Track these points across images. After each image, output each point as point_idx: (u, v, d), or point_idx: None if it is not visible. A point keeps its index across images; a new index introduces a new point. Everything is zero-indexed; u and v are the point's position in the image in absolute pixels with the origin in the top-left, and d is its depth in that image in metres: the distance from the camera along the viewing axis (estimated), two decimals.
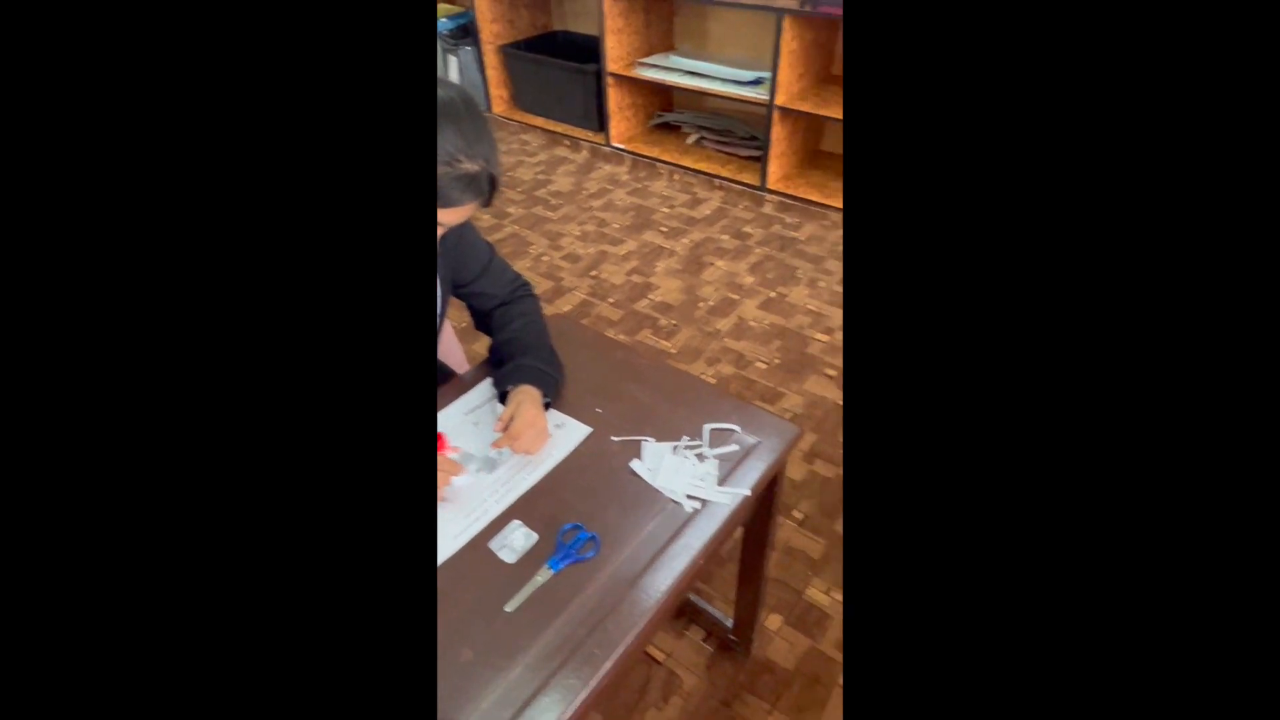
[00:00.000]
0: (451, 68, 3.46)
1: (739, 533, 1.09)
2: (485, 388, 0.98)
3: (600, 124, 3.11)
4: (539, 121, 3.34)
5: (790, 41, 2.41)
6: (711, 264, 2.35)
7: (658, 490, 0.83)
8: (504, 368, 0.94)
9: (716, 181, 2.85)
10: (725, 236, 2.50)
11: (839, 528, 1.47)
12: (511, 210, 2.70)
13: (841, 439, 1.67)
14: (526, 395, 0.89)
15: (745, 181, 2.78)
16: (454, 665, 0.66)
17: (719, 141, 3.00)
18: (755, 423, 0.92)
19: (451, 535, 0.78)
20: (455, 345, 1.34)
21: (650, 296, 2.20)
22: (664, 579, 0.73)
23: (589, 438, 0.90)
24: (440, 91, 0.70)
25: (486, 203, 0.76)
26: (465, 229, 0.96)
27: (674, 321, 2.09)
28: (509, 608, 0.71)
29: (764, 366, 1.91)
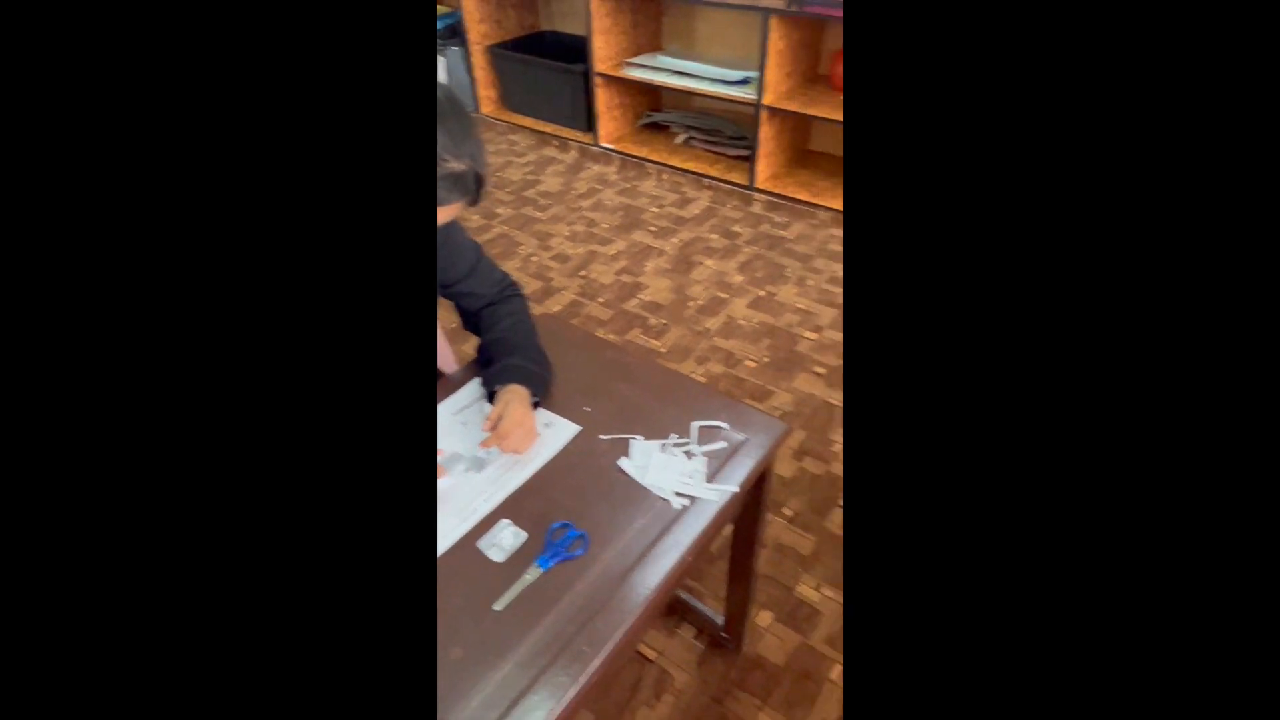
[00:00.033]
0: (439, 68, 3.45)
1: (729, 530, 1.10)
2: (473, 387, 0.98)
3: (589, 124, 3.11)
4: (527, 122, 3.34)
5: (777, 41, 2.42)
6: (701, 263, 2.35)
7: (646, 488, 0.83)
8: (492, 367, 0.94)
9: (705, 181, 2.85)
10: (714, 236, 2.50)
11: (829, 524, 1.47)
12: (500, 211, 2.70)
13: (830, 436, 1.68)
14: (515, 395, 0.89)
15: (734, 181, 2.79)
16: (444, 664, 0.66)
17: (707, 141, 3.01)
18: (743, 420, 0.92)
19: (440, 535, 0.78)
20: (444, 345, 1.33)
21: (640, 296, 2.20)
22: (653, 575, 0.74)
23: (578, 436, 0.90)
24: None
25: (473, 202, 0.76)
26: (452, 229, 0.96)
27: (664, 321, 2.09)
28: (498, 606, 0.71)
29: (753, 365, 1.92)
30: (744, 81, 2.65)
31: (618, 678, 1.22)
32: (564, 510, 0.81)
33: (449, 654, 0.66)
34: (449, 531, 0.78)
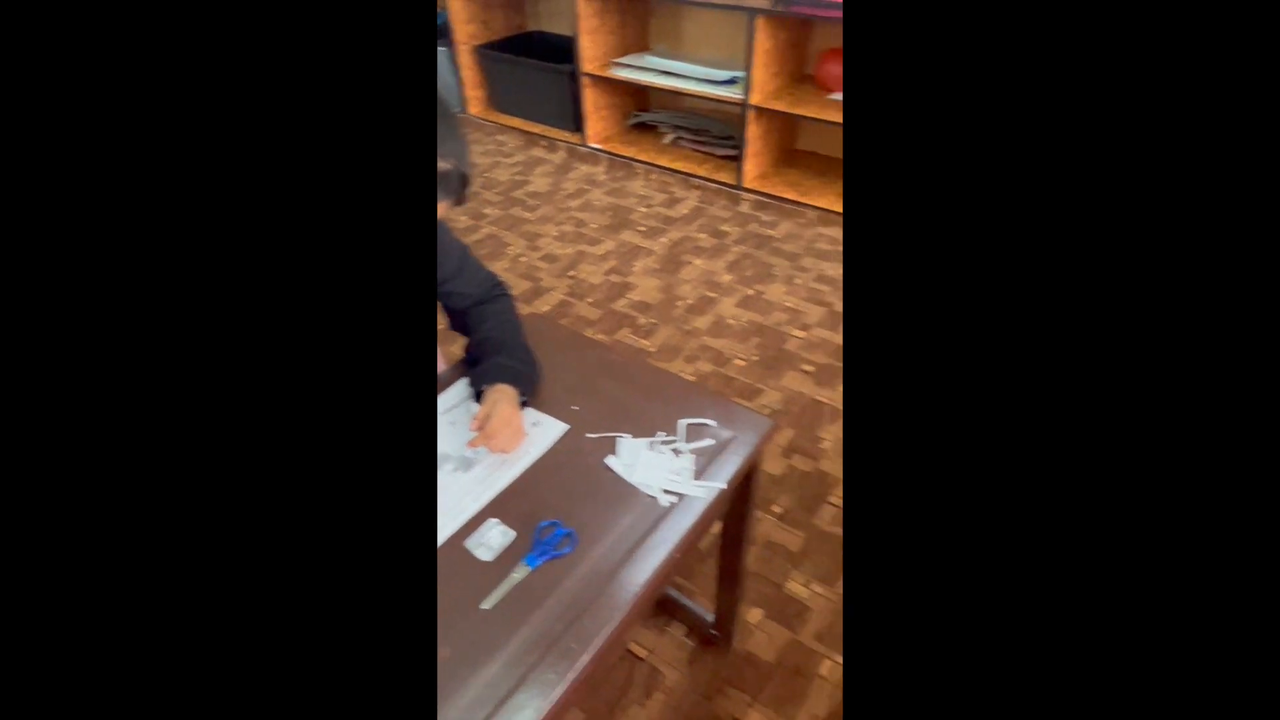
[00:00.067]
0: None
1: (718, 528, 1.10)
2: (461, 387, 0.98)
3: (577, 124, 3.11)
4: (515, 122, 3.34)
5: (764, 41, 2.43)
6: (689, 263, 2.36)
7: (634, 486, 0.83)
8: (479, 367, 0.94)
9: (693, 181, 2.86)
10: (703, 235, 2.51)
11: (817, 521, 1.48)
12: (489, 211, 2.69)
13: (819, 434, 1.69)
14: (502, 394, 0.89)
15: (722, 180, 2.80)
16: None
17: (695, 141, 3.01)
18: (730, 417, 0.93)
19: None
20: None
21: (629, 296, 2.20)
22: (641, 572, 0.74)
23: (566, 435, 0.90)
24: None
25: (459, 202, 0.76)
26: (439, 229, 0.95)
27: (653, 320, 2.10)
28: (486, 605, 0.71)
29: (742, 363, 1.92)
30: (731, 81, 2.66)
31: (608, 676, 1.22)
32: (552, 509, 0.81)
33: (437, 654, 0.66)
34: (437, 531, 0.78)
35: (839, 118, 2.42)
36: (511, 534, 0.78)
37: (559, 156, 3.10)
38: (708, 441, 0.89)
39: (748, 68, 2.47)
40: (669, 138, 3.09)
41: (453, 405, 0.96)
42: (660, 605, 1.32)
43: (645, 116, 3.17)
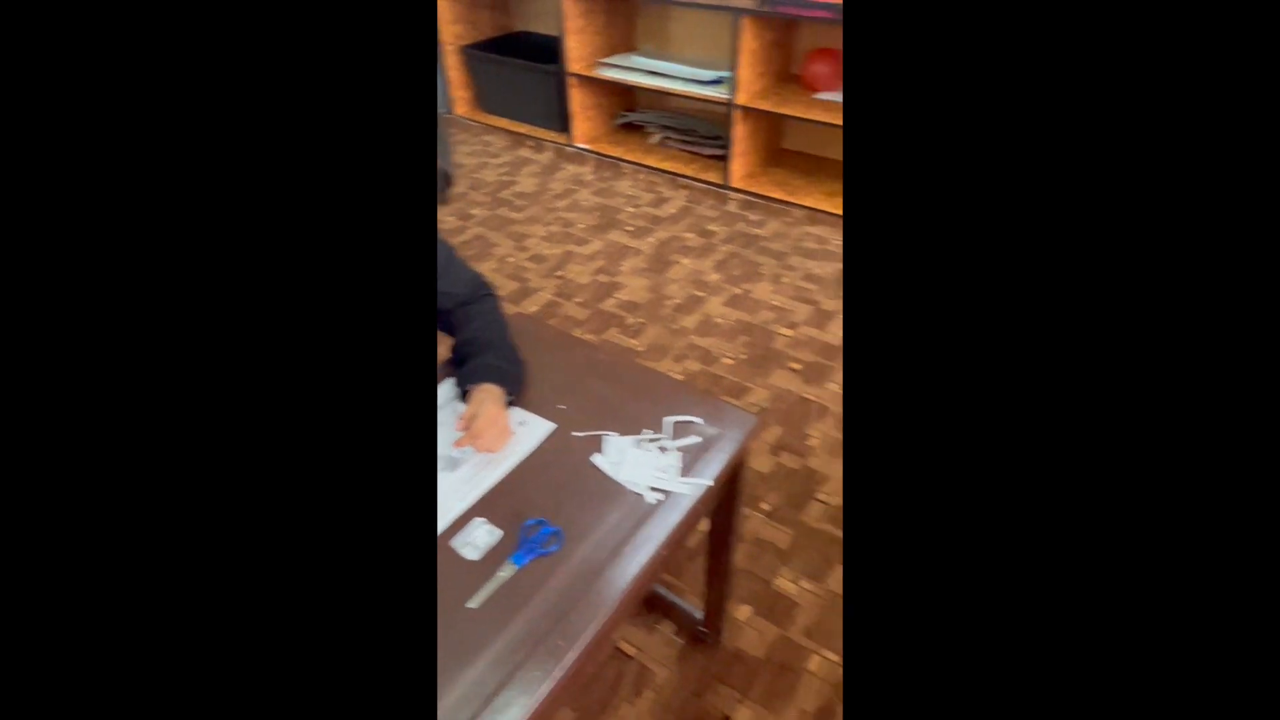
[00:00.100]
0: None
1: (707, 526, 1.11)
2: (448, 387, 0.98)
3: (564, 125, 3.10)
4: (502, 123, 3.33)
5: (749, 41, 2.44)
6: (677, 262, 2.36)
7: (620, 484, 0.84)
8: (465, 367, 0.94)
9: (681, 180, 2.86)
10: (690, 235, 2.51)
11: (805, 518, 1.49)
12: (476, 212, 2.69)
13: (806, 431, 1.70)
14: (488, 394, 0.89)
15: (709, 180, 2.80)
16: None
17: (682, 141, 3.02)
18: (716, 414, 0.93)
19: None
20: None
21: (617, 295, 2.21)
22: (628, 569, 0.74)
23: (552, 434, 0.90)
24: None
25: (442, 201, 0.76)
26: None
27: (641, 320, 2.10)
28: (472, 604, 0.71)
29: (730, 362, 1.93)
30: (717, 81, 2.67)
31: (599, 675, 1.23)
32: (538, 507, 0.81)
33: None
34: None
35: (825, 117, 2.43)
36: (498, 533, 0.78)
37: (546, 157, 3.10)
38: (694, 439, 0.90)
39: (733, 68, 2.48)
40: (656, 138, 3.09)
41: (439, 405, 0.96)
42: (650, 603, 1.32)
43: (632, 116, 3.17)
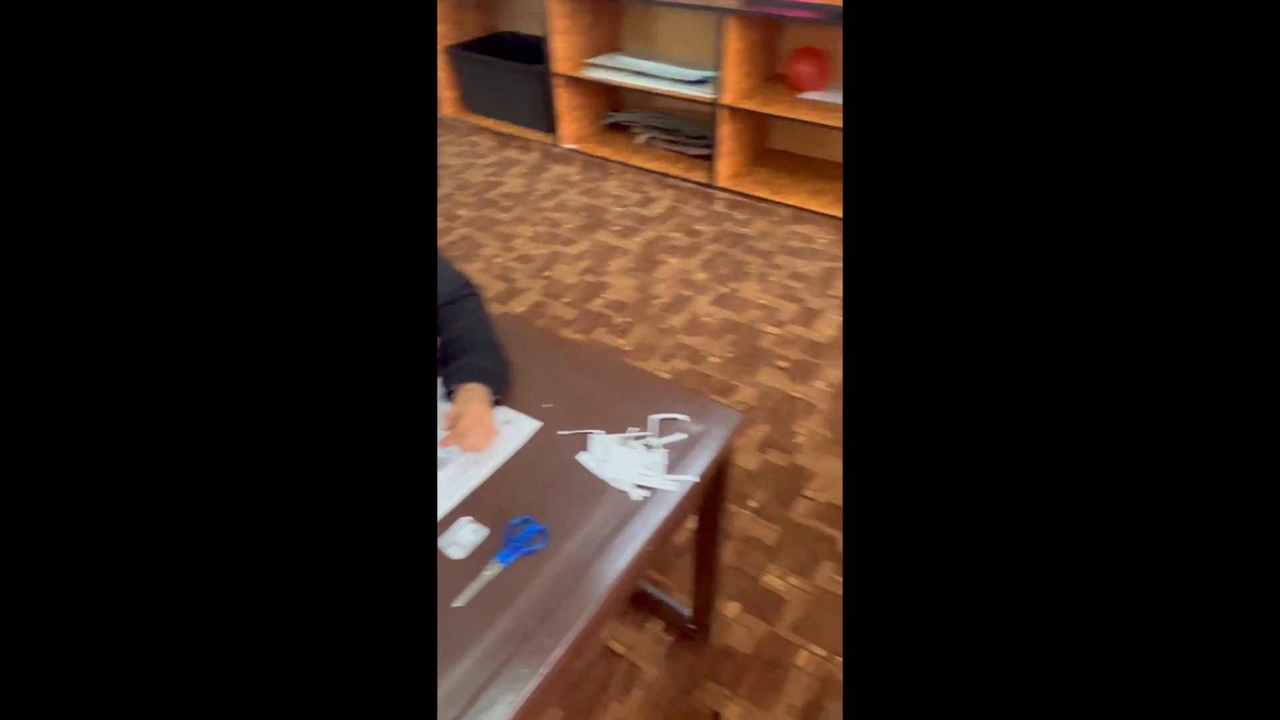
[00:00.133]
0: None
1: (695, 524, 1.11)
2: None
3: (550, 125, 3.10)
4: (489, 123, 3.32)
5: (734, 41, 2.45)
6: (664, 261, 2.37)
7: (606, 481, 0.84)
8: (450, 366, 0.94)
9: (667, 180, 2.87)
10: (677, 234, 2.52)
11: (793, 515, 1.50)
12: (462, 213, 2.68)
13: (793, 428, 1.71)
14: (473, 393, 0.89)
15: (695, 180, 2.81)
16: None
17: (669, 141, 3.02)
18: (701, 411, 0.94)
19: None
20: None
21: (604, 295, 2.21)
22: (614, 566, 0.74)
23: (538, 433, 0.90)
24: None
25: None
26: None
27: (628, 319, 2.10)
28: (458, 603, 0.71)
29: (717, 361, 1.94)
30: (703, 81, 2.68)
31: (587, 674, 1.23)
32: (524, 506, 0.81)
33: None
34: None
35: (810, 117, 2.45)
36: (484, 531, 0.78)
37: (533, 157, 3.10)
38: (679, 436, 0.90)
39: (719, 67, 2.49)
40: (642, 138, 3.09)
41: None
42: (638, 601, 1.33)
43: (619, 117, 3.17)
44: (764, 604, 1.33)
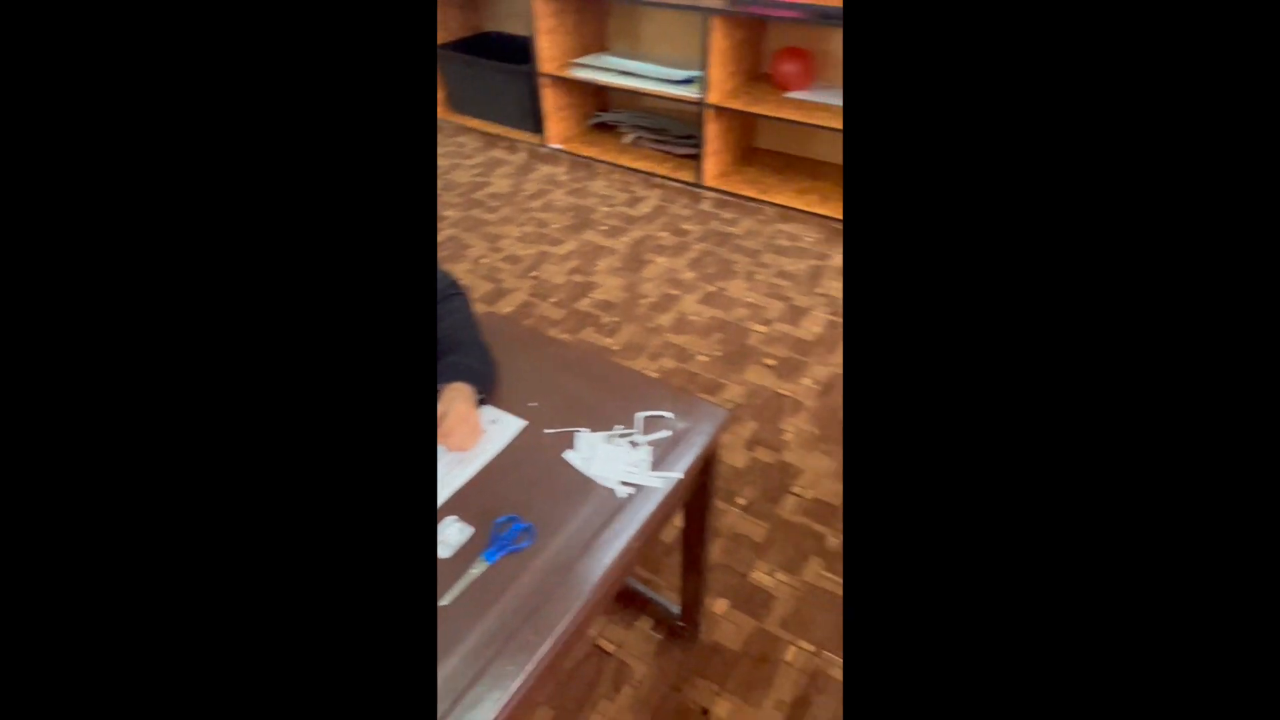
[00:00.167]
0: None
1: (683, 521, 1.11)
2: None
3: (537, 125, 3.10)
4: (475, 123, 3.31)
5: (720, 40, 2.46)
6: (652, 261, 2.37)
7: (592, 479, 0.84)
8: (435, 365, 0.94)
9: (654, 180, 2.87)
10: (664, 234, 2.53)
11: (780, 511, 1.51)
12: (449, 213, 2.67)
13: (780, 426, 1.72)
14: (459, 392, 0.89)
15: (682, 179, 2.82)
16: None
17: (656, 140, 3.03)
18: (687, 409, 0.94)
19: None
20: None
21: (592, 295, 2.21)
22: (600, 563, 0.75)
23: (524, 431, 0.91)
24: None
25: None
26: None
27: (616, 319, 2.10)
28: (444, 601, 0.71)
29: (705, 359, 1.94)
30: (688, 81, 2.68)
31: (576, 672, 1.23)
32: (510, 504, 0.81)
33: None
34: None
35: (796, 116, 2.46)
36: (470, 530, 0.78)
37: (520, 157, 3.09)
38: (664, 433, 0.91)
39: (704, 67, 2.50)
40: (629, 137, 3.10)
41: None
42: (627, 599, 1.33)
43: (605, 116, 3.17)
44: (752, 600, 1.34)
